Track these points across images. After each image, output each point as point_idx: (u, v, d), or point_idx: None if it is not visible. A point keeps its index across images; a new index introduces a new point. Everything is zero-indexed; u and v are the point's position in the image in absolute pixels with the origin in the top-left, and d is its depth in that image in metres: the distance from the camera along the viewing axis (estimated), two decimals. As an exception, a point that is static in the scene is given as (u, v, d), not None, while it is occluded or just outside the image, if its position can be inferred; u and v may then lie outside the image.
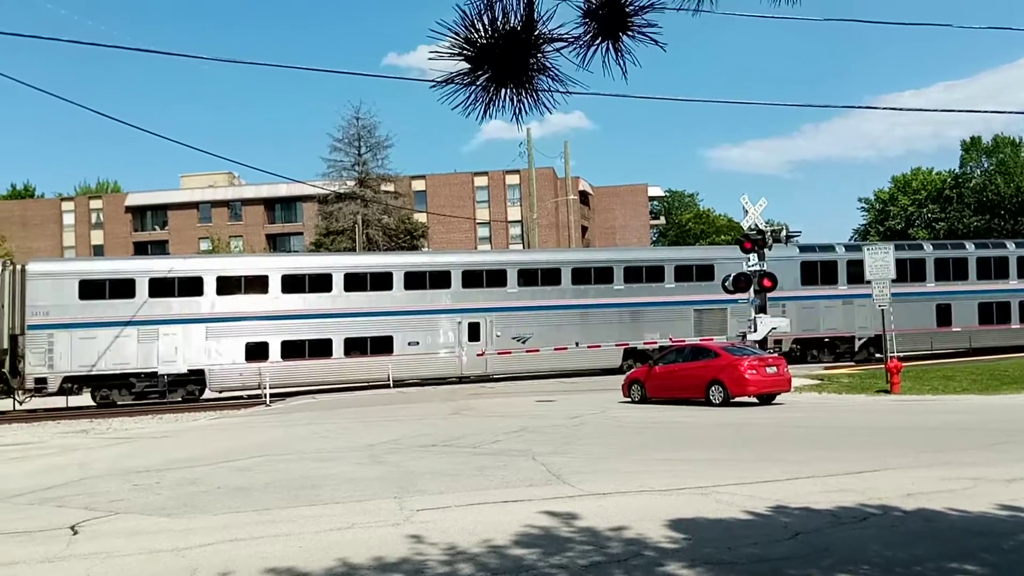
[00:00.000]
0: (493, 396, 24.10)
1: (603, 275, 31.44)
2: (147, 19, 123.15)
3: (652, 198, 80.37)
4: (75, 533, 7.53)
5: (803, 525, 6.68)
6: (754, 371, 18.46)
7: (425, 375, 29.33)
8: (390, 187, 54.47)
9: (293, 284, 28.55)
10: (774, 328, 26.75)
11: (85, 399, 26.97)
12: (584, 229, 65.75)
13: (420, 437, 14.46)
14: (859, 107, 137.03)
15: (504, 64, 2.32)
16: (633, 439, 13.69)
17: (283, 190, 64.37)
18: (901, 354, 31.30)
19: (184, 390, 27.25)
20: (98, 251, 65.29)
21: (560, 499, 8.12)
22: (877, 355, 32.52)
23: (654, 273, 31.94)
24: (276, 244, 67.13)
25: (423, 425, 16.70)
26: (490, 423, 16.47)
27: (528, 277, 30.73)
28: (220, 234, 64.26)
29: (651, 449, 12.45)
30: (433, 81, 2.39)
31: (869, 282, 23.95)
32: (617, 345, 30.88)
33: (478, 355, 29.67)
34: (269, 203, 67.55)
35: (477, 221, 61.80)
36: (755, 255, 25.24)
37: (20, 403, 25.94)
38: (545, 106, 2.44)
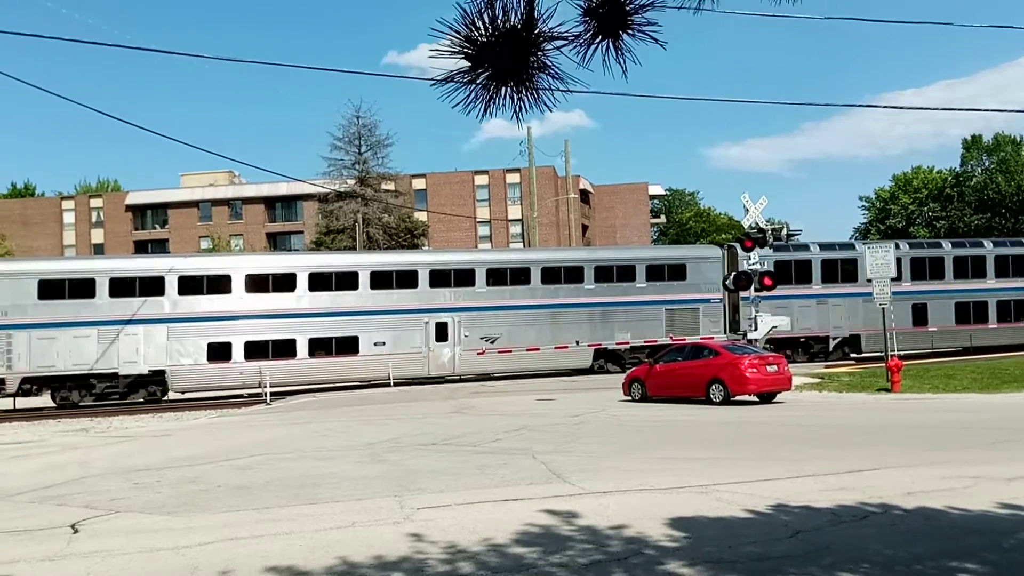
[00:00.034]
0: (493, 395, 24.11)
1: (573, 274, 31.06)
2: (147, 18, 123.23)
3: (653, 197, 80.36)
4: (75, 532, 7.53)
5: (803, 524, 6.68)
6: (755, 370, 18.46)
7: (392, 375, 28.91)
8: (390, 186, 54.47)
9: (256, 284, 28.15)
10: (775, 327, 26.80)
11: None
12: (584, 228, 65.74)
13: (420, 436, 14.46)
14: (860, 106, 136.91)
15: (504, 62, 2.32)
16: (633, 438, 13.69)
17: (283, 189, 64.35)
18: (870, 355, 31.16)
19: (146, 391, 26.90)
20: (98, 250, 65.31)
21: (560, 497, 8.12)
22: (852, 355, 32.39)
23: (625, 273, 31.60)
24: (277, 243, 67.14)
25: (423, 424, 16.71)
26: (490, 422, 16.47)
27: (497, 276, 30.37)
28: (220, 233, 64.25)
29: (651, 448, 12.46)
30: (433, 80, 2.39)
31: (867, 280, 23.85)
32: (588, 345, 30.55)
33: (446, 355, 29.33)
34: (269, 202, 67.54)
35: (478, 220, 61.80)
36: (756, 253, 25.25)
37: None
38: (545, 104, 2.44)
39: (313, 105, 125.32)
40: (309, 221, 63.22)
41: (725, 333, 31.71)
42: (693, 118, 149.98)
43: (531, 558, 5.85)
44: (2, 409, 25.75)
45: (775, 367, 18.81)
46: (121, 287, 26.88)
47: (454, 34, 2.30)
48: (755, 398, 18.90)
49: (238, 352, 27.56)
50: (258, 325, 27.77)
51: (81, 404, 25.95)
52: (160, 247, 65.88)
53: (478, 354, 29.64)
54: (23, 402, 26.40)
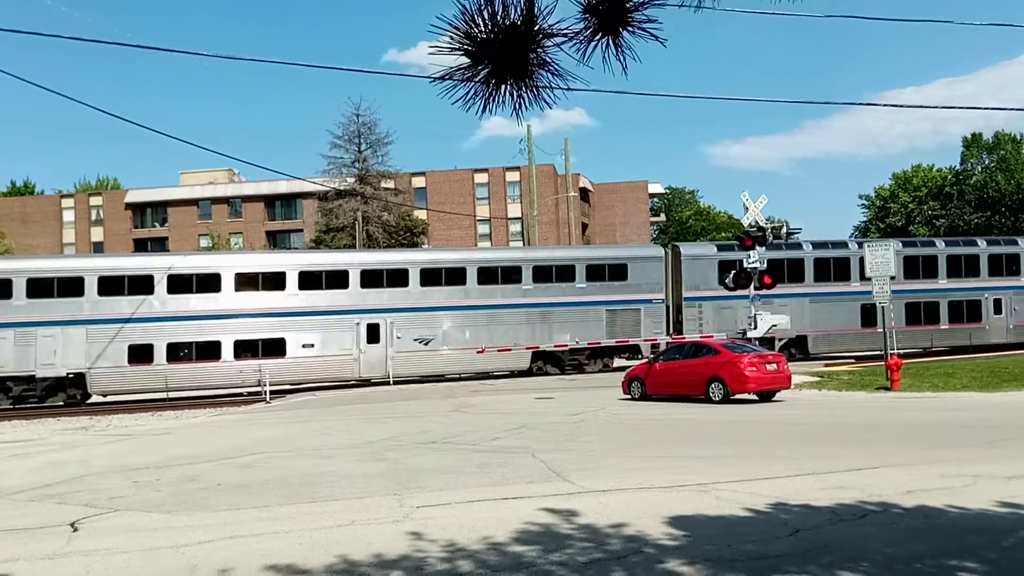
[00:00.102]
0: (493, 393, 24.13)
1: (511, 275, 30.51)
2: (147, 16, 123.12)
3: (652, 195, 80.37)
4: (75, 530, 7.53)
5: (803, 522, 6.68)
6: (754, 368, 18.47)
7: (320, 378, 28.49)
8: (390, 184, 54.43)
9: (179, 285, 27.57)
10: (774, 325, 26.80)
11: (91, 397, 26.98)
12: (584, 226, 65.73)
13: (420, 434, 14.46)
14: (860, 104, 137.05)
15: (504, 59, 2.31)
16: (633, 436, 13.69)
17: (283, 187, 64.31)
18: (828, 355, 30.82)
19: (65, 394, 26.43)
20: (98, 248, 65.27)
21: (560, 496, 8.12)
22: (798, 356, 31.85)
23: (565, 273, 31.06)
24: (276, 241, 67.12)
25: (423, 422, 16.71)
26: (490, 420, 16.47)
27: (431, 277, 29.77)
28: (220, 231, 64.23)
29: (651, 446, 12.46)
30: (431, 77, 2.38)
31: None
32: (526, 347, 30.08)
33: (377, 357, 28.80)
34: (269, 200, 67.50)
35: (477, 218, 61.79)
36: (754, 252, 25.24)
37: None
38: (545, 101, 2.43)
39: (313, 103, 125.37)
40: (309, 219, 63.19)
41: (668, 334, 31.31)
42: (693, 116, 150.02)
43: (531, 556, 5.85)
44: (1, 408, 25.73)
45: (775, 365, 18.82)
46: (38, 288, 26.36)
47: (454, 31, 2.30)
48: (755, 396, 18.92)
49: (160, 354, 27.00)
50: (181, 327, 27.22)
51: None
52: (160, 245, 65.86)
53: (411, 355, 29.03)
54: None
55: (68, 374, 26.29)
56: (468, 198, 62.94)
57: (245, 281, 28.24)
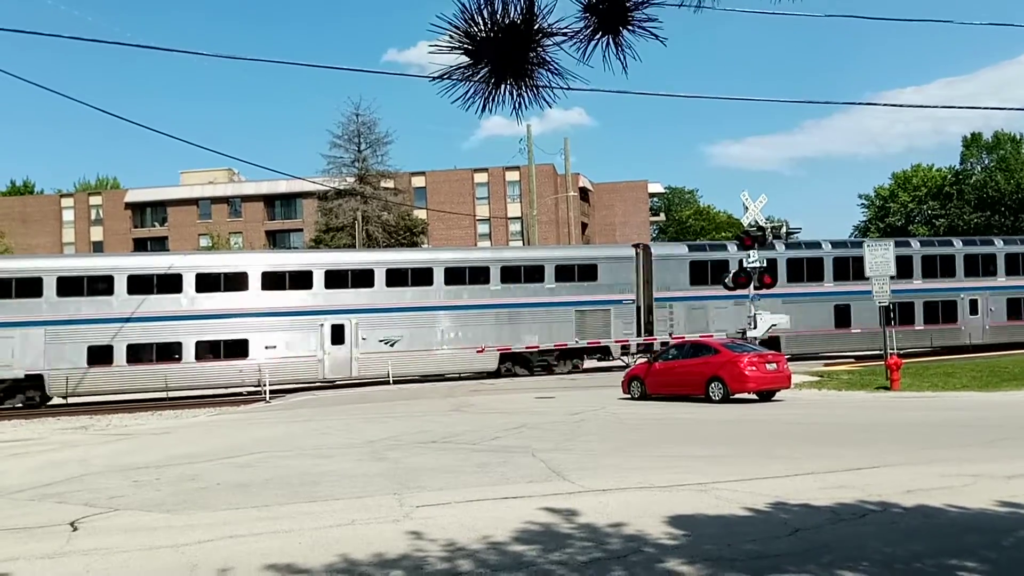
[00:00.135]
0: (493, 393, 24.13)
1: (479, 275, 30.19)
2: (146, 16, 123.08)
3: (652, 195, 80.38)
4: (75, 529, 7.53)
5: (803, 522, 6.68)
6: (754, 367, 18.47)
7: (283, 380, 28.03)
8: (390, 183, 54.42)
9: (140, 285, 27.21)
10: (774, 325, 26.79)
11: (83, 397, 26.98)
12: (584, 226, 65.74)
13: (420, 433, 14.46)
14: (860, 103, 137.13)
15: (504, 58, 2.31)
16: (633, 436, 13.69)
17: (283, 187, 64.30)
18: (801, 356, 30.59)
19: (23, 396, 26.11)
20: (98, 247, 65.27)
21: (560, 495, 8.12)
22: None
23: (533, 273, 30.70)
24: (276, 241, 67.12)
25: (423, 421, 16.71)
26: (490, 419, 16.47)
27: (397, 277, 29.41)
28: (220, 231, 64.23)
29: (651, 446, 12.46)
30: (430, 76, 2.38)
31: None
32: (495, 348, 29.78)
33: (342, 358, 28.43)
34: (269, 200, 67.49)
35: (477, 218, 61.79)
36: (754, 251, 25.23)
37: None
38: (545, 100, 2.43)
39: (312, 103, 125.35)
40: (308, 219, 63.19)
41: (639, 335, 31.08)
42: (693, 116, 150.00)
43: (531, 556, 5.84)
44: (1, 408, 25.72)
45: (774, 365, 18.82)
46: None
47: (453, 29, 2.30)
48: (754, 396, 18.92)
49: (120, 356, 26.67)
50: (141, 328, 26.86)
51: None
52: (160, 245, 65.86)
53: (377, 356, 28.71)
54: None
55: (26, 375, 25.94)
56: (468, 198, 62.94)
57: (207, 282, 27.84)
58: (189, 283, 27.61)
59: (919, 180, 78.07)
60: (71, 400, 27.00)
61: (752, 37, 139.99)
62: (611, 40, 2.34)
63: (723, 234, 69.96)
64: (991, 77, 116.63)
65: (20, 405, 25.98)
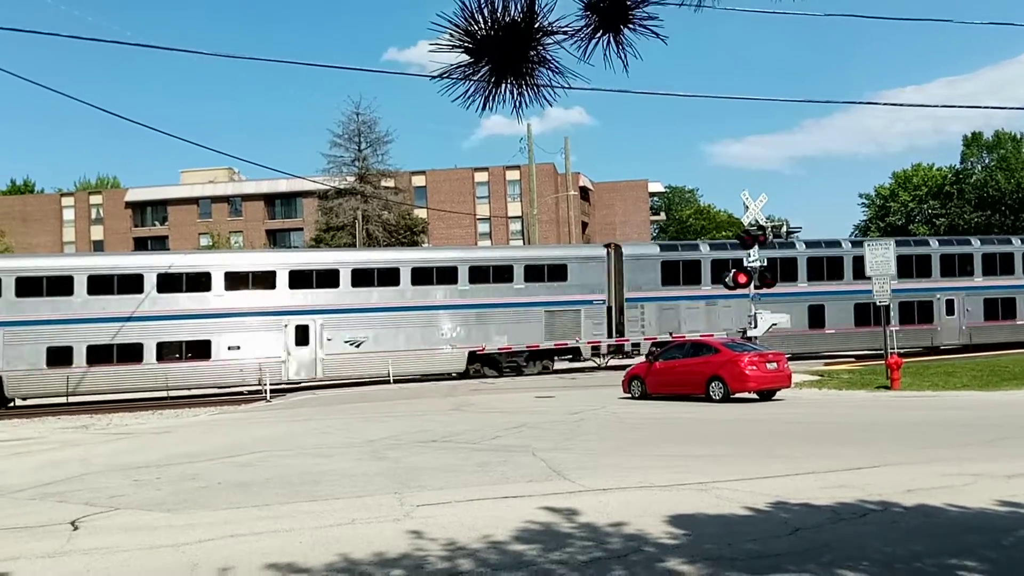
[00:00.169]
0: (493, 392, 24.14)
1: (446, 275, 29.76)
2: (146, 15, 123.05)
3: (653, 194, 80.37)
4: (75, 528, 7.53)
5: (803, 521, 6.68)
6: (754, 367, 18.47)
7: (247, 381, 27.65)
8: (390, 183, 54.43)
9: (100, 286, 26.79)
10: (774, 324, 26.76)
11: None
12: (584, 225, 65.74)
13: (420, 433, 14.47)
14: (860, 103, 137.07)
15: (504, 56, 2.31)
16: (633, 435, 13.69)
17: (283, 186, 64.32)
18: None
19: None
20: (98, 247, 65.28)
21: (560, 495, 8.12)
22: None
23: (502, 273, 30.29)
24: (276, 240, 67.15)
25: (423, 421, 16.71)
26: (490, 419, 16.47)
27: (363, 277, 28.97)
28: (220, 230, 64.26)
29: (651, 445, 12.46)
30: (430, 75, 2.38)
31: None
32: (463, 348, 29.37)
33: (306, 359, 28.05)
34: (269, 199, 67.51)
35: (477, 217, 61.81)
36: (755, 251, 25.22)
37: None
38: (546, 99, 2.43)
39: (313, 102, 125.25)
40: (309, 218, 63.22)
41: (610, 336, 30.82)
42: (693, 115, 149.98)
43: (531, 555, 5.84)
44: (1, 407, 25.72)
45: (775, 364, 18.82)
46: None
47: (454, 28, 2.30)
48: (755, 395, 18.92)
49: (80, 357, 26.25)
50: (101, 329, 26.42)
51: None
52: (160, 244, 65.89)
53: (343, 357, 28.38)
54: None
55: None
56: (468, 197, 62.94)
57: (169, 282, 27.39)
58: (150, 283, 27.15)
59: (919, 179, 78.06)
60: (30, 401, 26.75)
61: (752, 36, 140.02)
62: (612, 38, 2.33)
63: (723, 233, 69.98)
64: (992, 76, 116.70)
65: None
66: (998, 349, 32.28)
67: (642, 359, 30.39)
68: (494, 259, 31.51)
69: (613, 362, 31.37)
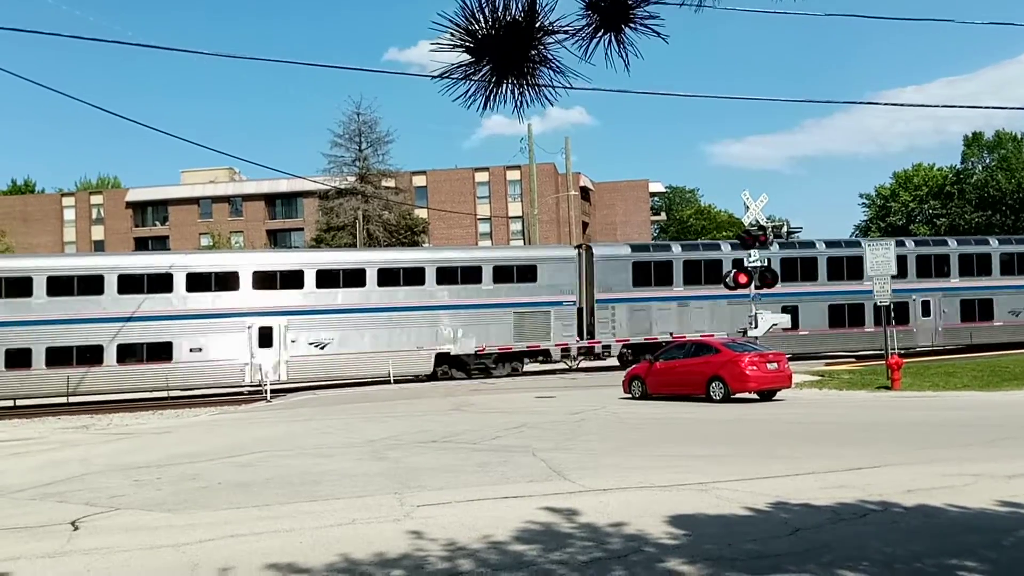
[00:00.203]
0: (493, 392, 24.14)
1: (413, 276, 29.41)
2: (147, 15, 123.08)
3: (653, 194, 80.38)
4: (76, 528, 7.53)
5: (803, 521, 6.68)
6: (755, 367, 18.46)
7: (209, 383, 27.52)
8: (391, 183, 54.47)
9: (59, 287, 26.50)
10: (775, 324, 26.76)
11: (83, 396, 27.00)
12: (585, 225, 65.75)
13: (420, 433, 14.47)
14: (861, 103, 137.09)
15: (505, 56, 2.31)
16: (633, 435, 13.69)
17: (284, 186, 64.33)
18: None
19: None
20: (99, 247, 65.32)
21: (561, 495, 8.12)
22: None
23: (470, 274, 30.00)
24: (277, 240, 67.17)
25: (423, 421, 16.71)
26: (490, 419, 16.47)
27: (328, 278, 28.65)
28: (221, 230, 64.29)
29: (652, 445, 12.46)
30: (431, 75, 2.38)
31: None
32: (430, 350, 29.12)
33: (270, 362, 27.64)
34: (270, 199, 67.53)
35: (478, 217, 61.81)
36: (755, 250, 25.21)
37: None
38: (546, 98, 2.43)
39: (313, 102, 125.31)
40: (309, 218, 63.25)
41: (581, 337, 30.55)
42: (694, 115, 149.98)
43: (531, 555, 5.84)
44: (1, 407, 25.71)
45: (775, 365, 18.82)
46: None
47: (455, 28, 2.30)
48: (755, 396, 18.91)
49: (39, 359, 25.99)
50: (61, 331, 26.13)
51: None
52: (161, 244, 65.91)
53: (307, 359, 28.12)
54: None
55: None
56: (469, 197, 62.94)
57: (131, 284, 27.07)
58: (111, 285, 26.87)
59: (920, 179, 78.03)
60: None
61: (753, 36, 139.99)
62: (613, 38, 2.33)
63: (724, 233, 69.98)
64: (992, 76, 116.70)
65: None
66: (975, 351, 32.04)
67: (614, 361, 30.46)
68: (462, 260, 31.12)
69: (584, 364, 31.13)
